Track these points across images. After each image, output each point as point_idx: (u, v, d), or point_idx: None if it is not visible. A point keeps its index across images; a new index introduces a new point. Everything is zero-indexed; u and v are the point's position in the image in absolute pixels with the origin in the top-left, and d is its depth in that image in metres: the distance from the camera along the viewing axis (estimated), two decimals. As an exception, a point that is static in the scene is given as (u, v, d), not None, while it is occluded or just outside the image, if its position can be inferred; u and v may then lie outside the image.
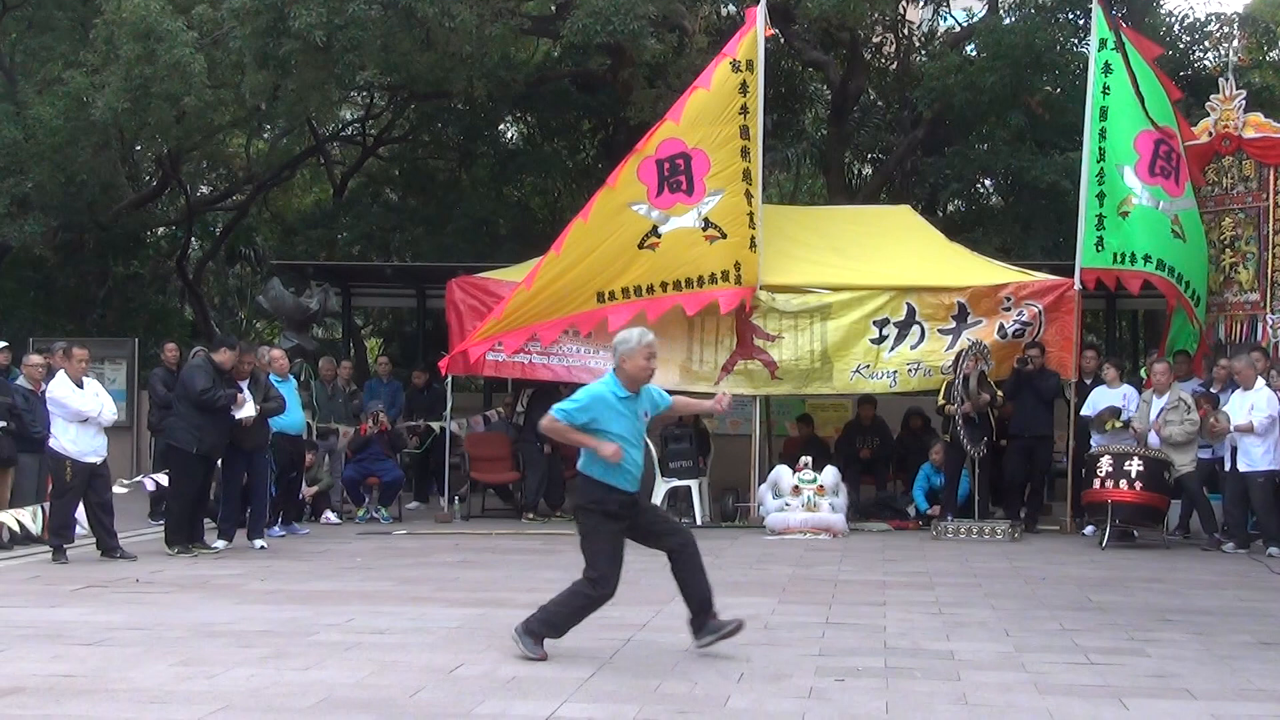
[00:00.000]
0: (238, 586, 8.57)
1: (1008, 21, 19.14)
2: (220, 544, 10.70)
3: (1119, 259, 12.30)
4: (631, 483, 6.13)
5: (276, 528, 11.75)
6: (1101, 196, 12.42)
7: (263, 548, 10.72)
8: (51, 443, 10.07)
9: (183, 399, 10.51)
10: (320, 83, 15.25)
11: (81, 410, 9.95)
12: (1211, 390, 11.78)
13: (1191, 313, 12.59)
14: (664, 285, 12.32)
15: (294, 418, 12.05)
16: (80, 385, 10.08)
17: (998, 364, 12.31)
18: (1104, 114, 12.43)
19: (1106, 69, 12.40)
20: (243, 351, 11.47)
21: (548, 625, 6.08)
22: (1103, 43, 12.46)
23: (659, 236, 12.26)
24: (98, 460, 10.12)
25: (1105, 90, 12.40)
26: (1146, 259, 12.20)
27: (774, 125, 19.15)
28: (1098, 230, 12.44)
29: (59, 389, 10.03)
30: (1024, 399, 12.23)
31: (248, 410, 10.55)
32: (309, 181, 26.18)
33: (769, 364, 12.61)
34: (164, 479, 10.76)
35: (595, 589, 6.05)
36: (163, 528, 10.87)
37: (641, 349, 6.09)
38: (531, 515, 13.38)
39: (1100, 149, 12.43)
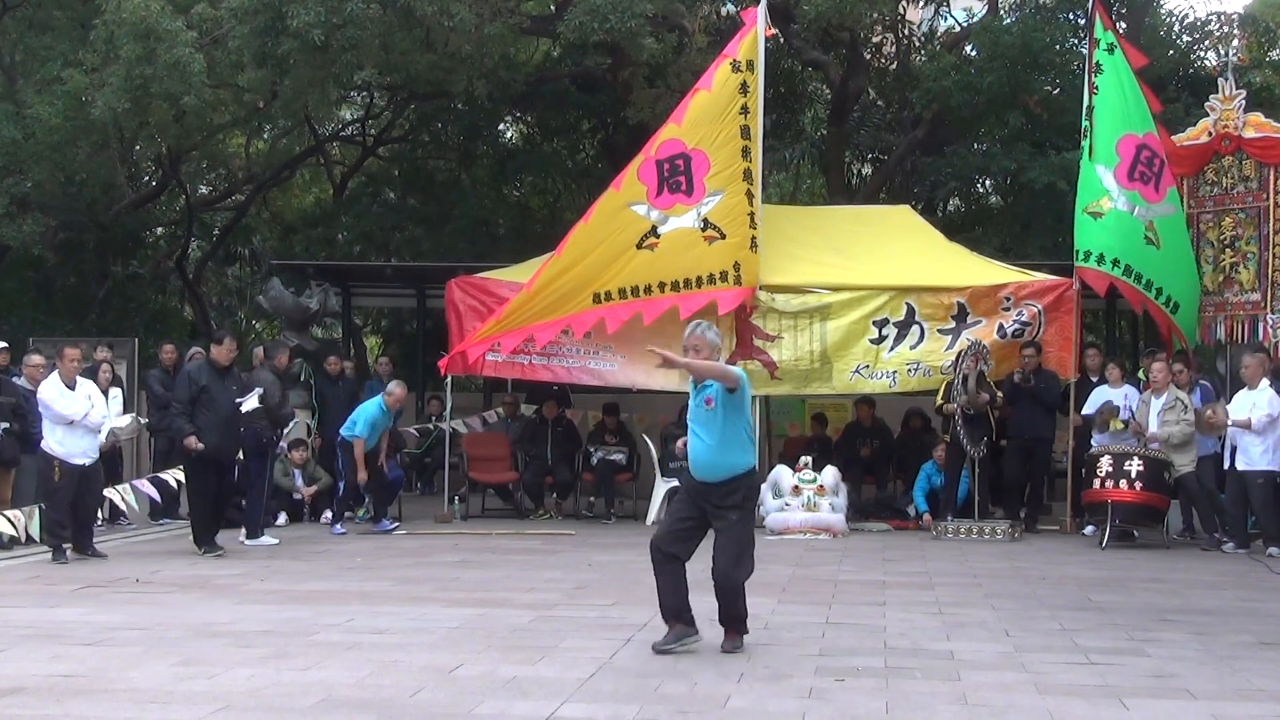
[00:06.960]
0: (238, 586, 8.57)
1: (1007, 21, 19.14)
2: (244, 541, 10.82)
3: (1085, 258, 12.26)
4: (696, 468, 6.41)
5: (339, 525, 12.14)
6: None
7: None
8: (42, 443, 9.99)
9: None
10: (318, 82, 15.25)
11: (66, 414, 9.80)
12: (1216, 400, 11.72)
13: (1164, 319, 12.50)
14: (661, 286, 12.25)
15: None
16: (72, 386, 9.96)
17: (997, 364, 12.30)
18: (1089, 113, 12.43)
19: (1098, 69, 12.38)
20: (285, 352, 12.21)
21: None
22: (1096, 42, 12.45)
23: (658, 237, 12.20)
24: (87, 462, 9.99)
25: (1094, 90, 12.38)
26: (1115, 263, 12.12)
27: (774, 125, 19.15)
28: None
29: (47, 391, 9.91)
30: (1023, 403, 12.21)
31: (251, 402, 10.62)
32: (309, 181, 26.18)
33: (768, 364, 12.58)
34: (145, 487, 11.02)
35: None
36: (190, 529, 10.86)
37: (685, 341, 6.36)
38: (548, 514, 13.64)
39: (1085, 147, 12.44)
